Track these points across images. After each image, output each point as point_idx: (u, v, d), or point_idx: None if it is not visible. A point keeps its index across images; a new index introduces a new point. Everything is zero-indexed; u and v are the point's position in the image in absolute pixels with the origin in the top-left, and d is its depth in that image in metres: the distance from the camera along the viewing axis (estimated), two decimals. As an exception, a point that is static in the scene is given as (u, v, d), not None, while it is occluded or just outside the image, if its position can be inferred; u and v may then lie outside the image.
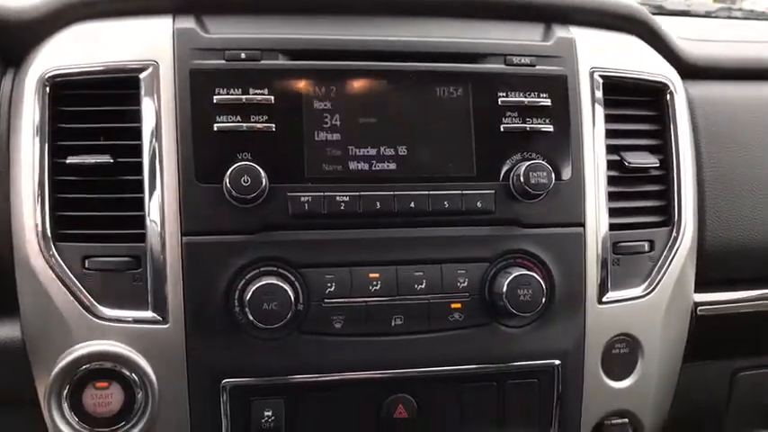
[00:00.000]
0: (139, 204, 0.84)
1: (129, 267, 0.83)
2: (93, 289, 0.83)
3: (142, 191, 0.84)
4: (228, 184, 0.80)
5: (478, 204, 0.87)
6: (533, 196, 0.88)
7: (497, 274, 0.88)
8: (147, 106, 0.84)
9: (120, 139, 0.85)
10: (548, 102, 0.91)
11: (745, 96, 1.11)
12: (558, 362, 0.91)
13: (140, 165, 0.84)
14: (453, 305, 0.88)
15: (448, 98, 0.89)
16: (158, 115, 0.84)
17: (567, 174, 0.91)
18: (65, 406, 0.81)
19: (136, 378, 0.82)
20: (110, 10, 0.89)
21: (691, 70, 1.07)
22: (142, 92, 0.85)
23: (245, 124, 0.83)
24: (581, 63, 0.94)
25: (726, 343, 1.10)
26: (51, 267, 0.82)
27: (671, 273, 0.97)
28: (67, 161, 0.83)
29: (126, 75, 0.85)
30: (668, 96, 1.00)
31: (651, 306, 0.96)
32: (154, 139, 0.84)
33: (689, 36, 1.12)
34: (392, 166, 0.87)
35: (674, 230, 0.98)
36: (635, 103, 1.00)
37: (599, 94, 0.96)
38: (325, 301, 0.85)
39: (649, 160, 0.98)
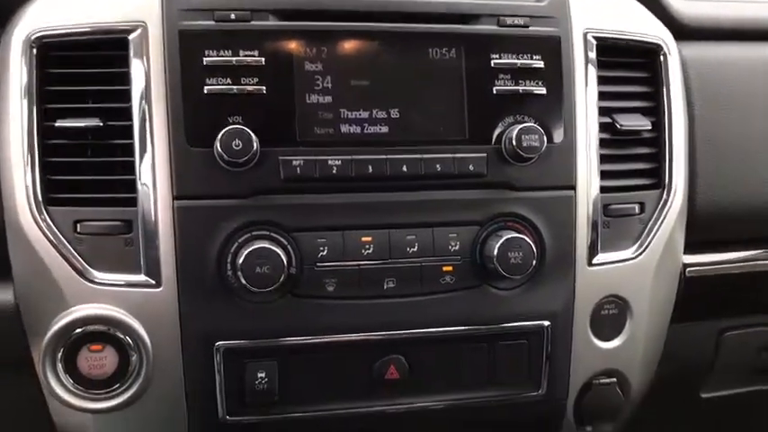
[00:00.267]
0: (130, 168, 0.83)
1: (121, 231, 0.83)
2: (86, 253, 0.83)
3: (133, 154, 0.83)
4: (219, 148, 0.80)
5: (470, 168, 0.87)
6: (525, 159, 0.88)
7: (488, 238, 0.89)
8: (136, 68, 0.83)
9: (110, 101, 0.84)
10: (541, 64, 0.90)
11: (740, 57, 1.10)
12: (547, 323, 0.93)
13: (130, 128, 0.83)
14: (445, 268, 0.89)
15: (440, 60, 0.88)
16: (148, 77, 0.83)
17: (559, 137, 0.91)
18: (59, 369, 0.81)
19: (130, 341, 0.83)
20: None
21: (685, 31, 1.06)
22: (131, 53, 0.83)
23: (235, 87, 0.82)
24: (574, 24, 0.93)
25: (713, 304, 1.11)
26: (43, 231, 0.82)
27: (661, 235, 0.98)
28: (56, 124, 0.83)
29: (114, 36, 0.84)
30: (661, 58, 1.00)
31: (640, 268, 0.97)
32: (143, 102, 0.83)
33: (684, -5, 1.11)
34: (384, 129, 0.86)
35: (665, 193, 0.99)
36: (628, 64, 1.00)
37: (592, 55, 0.95)
38: (318, 264, 0.85)
39: (641, 123, 0.98)
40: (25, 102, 0.82)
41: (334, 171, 0.84)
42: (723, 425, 1.45)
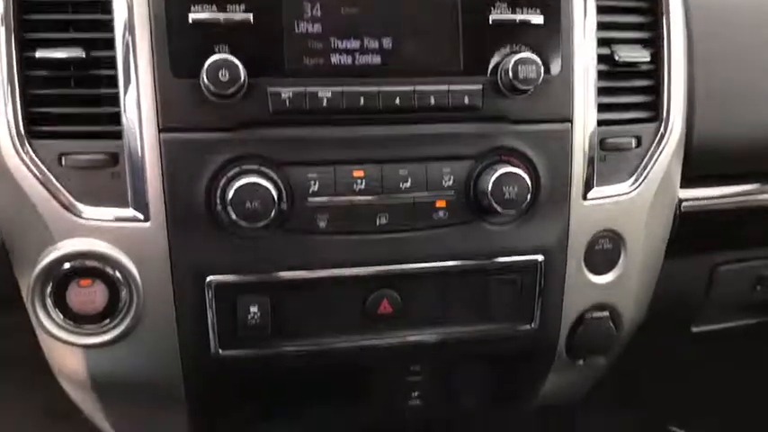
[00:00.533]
0: (115, 100, 0.81)
1: (107, 165, 0.81)
2: (71, 187, 0.81)
3: (117, 86, 0.80)
4: (206, 79, 0.77)
5: (465, 100, 0.85)
6: (521, 91, 0.86)
7: (483, 172, 0.87)
8: None
9: (92, 31, 0.81)
10: None
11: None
12: (541, 258, 0.92)
13: (114, 59, 0.80)
14: (438, 203, 0.87)
15: None
16: (130, 6, 0.80)
17: (556, 68, 0.88)
18: (49, 304, 0.81)
19: (119, 276, 0.82)
20: None
21: None
22: None
23: (221, 15, 0.79)
24: None
25: (708, 238, 1.11)
26: (26, 165, 0.80)
27: (657, 169, 0.96)
28: (37, 55, 0.80)
29: None
30: None
31: (636, 202, 0.96)
32: (127, 32, 0.80)
33: None
34: (376, 59, 0.83)
35: (662, 126, 0.97)
36: None
37: None
38: (309, 200, 0.84)
39: (640, 54, 0.95)
40: (2, 30, 0.79)
41: (324, 103, 0.82)
42: (713, 359, 1.48)
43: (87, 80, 0.81)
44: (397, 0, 0.84)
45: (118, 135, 0.81)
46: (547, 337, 0.97)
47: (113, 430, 1.02)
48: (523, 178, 0.86)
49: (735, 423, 1.95)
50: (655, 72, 0.97)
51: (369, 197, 0.85)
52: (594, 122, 0.92)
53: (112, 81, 0.81)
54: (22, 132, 0.80)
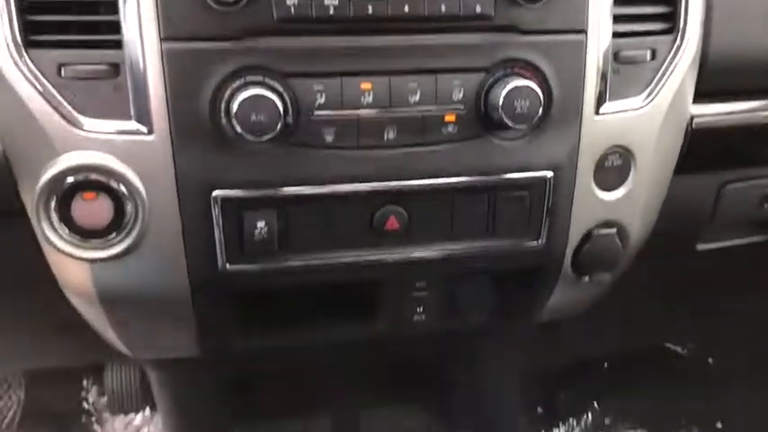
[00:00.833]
0: (114, 7, 0.78)
1: (108, 76, 0.79)
2: (72, 99, 0.79)
3: None
4: None
5: (477, 8, 0.82)
6: (535, 0, 0.82)
7: (494, 85, 0.85)
8: None
9: None
10: None
11: None
12: (550, 174, 0.91)
13: None
14: (447, 117, 0.85)
15: None
16: None
17: None
18: (54, 218, 0.80)
19: (124, 190, 0.80)
20: None
21: None
22: None
23: None
24: None
25: (718, 155, 1.10)
26: (25, 76, 0.78)
27: (671, 83, 0.94)
28: None
29: None
30: None
31: (648, 117, 0.94)
32: None
33: None
34: None
35: (679, 39, 0.94)
36: None
37: None
38: (315, 113, 0.82)
39: None
40: None
41: (330, 11, 0.79)
42: (716, 278, 1.49)
43: None
44: None
45: (118, 44, 0.78)
46: (553, 254, 0.97)
47: (123, 346, 1.04)
48: (535, 92, 0.84)
49: (731, 342, 1.99)
50: None
51: (376, 110, 0.83)
52: (609, 34, 0.89)
53: None
54: (20, 41, 0.77)
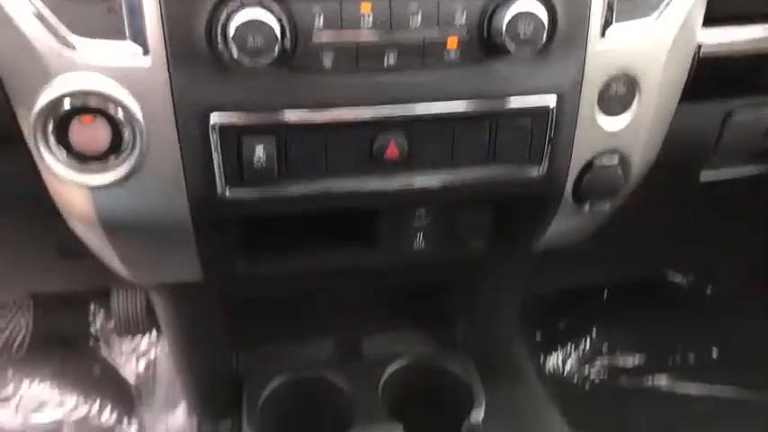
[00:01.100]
0: None
1: None
2: (65, 19, 0.77)
3: None
4: None
5: None
6: None
7: (497, 8, 0.82)
8: None
9: None
10: None
11: None
12: (553, 101, 0.89)
13: None
14: (449, 41, 0.83)
15: None
16: None
17: None
18: (51, 142, 0.79)
19: (121, 115, 0.80)
20: None
21: None
22: None
23: None
24: None
25: (725, 83, 1.08)
26: None
27: (680, 6, 0.91)
28: None
29: None
30: None
31: (655, 43, 0.91)
32: None
33: None
34: None
35: None
36: None
37: None
38: (313, 36, 0.80)
39: None
40: None
41: None
42: (717, 208, 1.49)
43: None
44: None
45: None
46: (554, 182, 0.97)
47: (127, 271, 1.05)
48: (540, 16, 0.81)
49: (729, 272, 2.00)
50: None
51: (376, 33, 0.81)
52: (617, -48, 0.86)
53: None
54: None
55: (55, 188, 0.91)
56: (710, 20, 0.98)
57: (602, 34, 0.88)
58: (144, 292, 1.60)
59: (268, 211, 0.92)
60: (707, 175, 1.23)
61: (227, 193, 0.87)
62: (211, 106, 0.82)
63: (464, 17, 0.82)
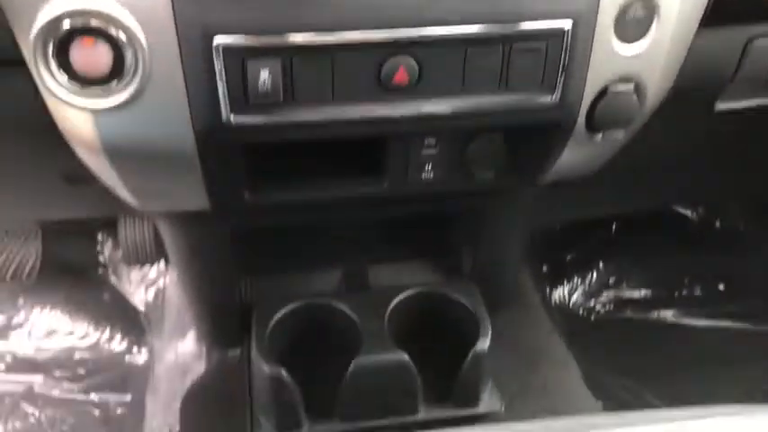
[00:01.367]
0: None
1: None
2: None
3: None
4: None
5: None
6: None
7: None
8: None
9: None
10: None
11: None
12: (569, 24, 0.86)
13: None
14: None
15: None
16: None
17: None
18: (52, 65, 0.78)
19: (123, 37, 0.77)
20: None
21: None
22: None
23: None
24: None
25: (746, 6, 1.03)
26: None
27: None
28: None
29: None
30: None
31: None
32: None
33: None
34: None
35: None
36: None
37: None
38: None
39: None
40: None
41: None
42: (731, 141, 1.46)
43: None
44: None
45: None
46: (567, 110, 0.94)
47: (133, 198, 1.04)
48: None
49: (739, 207, 1.99)
50: None
51: None
52: None
53: None
54: None
55: (58, 113, 0.89)
56: None
57: None
58: (151, 222, 1.60)
59: (273, 138, 0.91)
60: (723, 105, 1.20)
61: (231, 119, 0.85)
62: (215, 28, 0.79)
63: None
